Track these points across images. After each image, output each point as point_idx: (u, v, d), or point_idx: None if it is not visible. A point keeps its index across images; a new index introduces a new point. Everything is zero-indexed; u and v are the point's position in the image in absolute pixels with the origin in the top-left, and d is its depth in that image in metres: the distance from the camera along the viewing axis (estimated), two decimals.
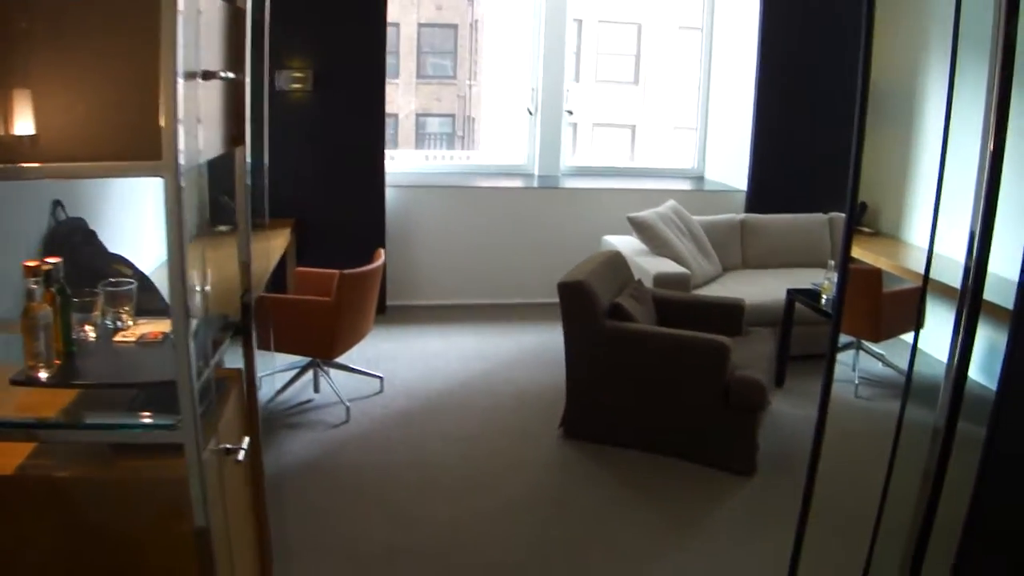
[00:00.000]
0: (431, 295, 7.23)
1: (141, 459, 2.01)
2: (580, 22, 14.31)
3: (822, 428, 3.11)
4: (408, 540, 3.79)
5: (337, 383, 5.22)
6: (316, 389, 5.27)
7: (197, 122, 1.99)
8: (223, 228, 4.08)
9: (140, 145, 1.76)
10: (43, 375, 2.02)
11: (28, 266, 2.01)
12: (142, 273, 3.55)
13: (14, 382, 2.00)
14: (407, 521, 3.94)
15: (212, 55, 2.18)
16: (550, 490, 4.41)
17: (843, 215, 7.17)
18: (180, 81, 1.72)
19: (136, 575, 2.06)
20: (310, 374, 5.28)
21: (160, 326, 2.36)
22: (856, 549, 3.14)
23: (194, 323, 2.05)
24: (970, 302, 2.39)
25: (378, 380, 5.45)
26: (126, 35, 1.80)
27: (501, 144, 14.47)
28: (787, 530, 3.47)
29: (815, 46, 7.32)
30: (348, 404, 5.03)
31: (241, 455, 2.19)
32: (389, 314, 6.87)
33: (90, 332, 2.31)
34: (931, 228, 2.73)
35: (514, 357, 6.12)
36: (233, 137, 2.48)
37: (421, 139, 16.42)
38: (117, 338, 2.31)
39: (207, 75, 2.07)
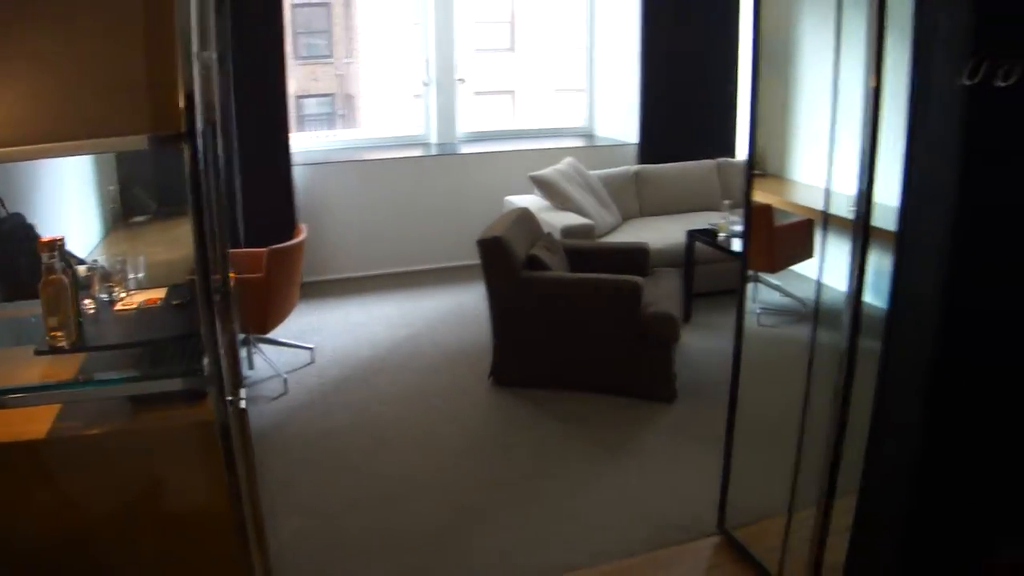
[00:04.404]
0: (344, 269, 7.39)
1: (162, 410, 2.24)
2: None
3: (739, 349, 3.48)
4: (366, 493, 4.05)
5: (269, 358, 5.41)
6: (251, 366, 5.45)
7: None
8: (140, 219, 4.20)
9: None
10: (65, 344, 2.23)
11: (44, 242, 2.22)
12: (81, 259, 3.71)
13: (39, 352, 2.20)
14: (361, 477, 4.20)
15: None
16: (488, 435, 4.72)
17: (731, 159, 7.61)
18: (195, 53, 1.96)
19: (174, 521, 2.29)
20: (243, 352, 5.45)
21: (154, 294, 2.58)
22: (774, 454, 3.49)
23: None
24: (863, 228, 2.72)
25: (308, 352, 5.65)
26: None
27: (385, 119, 14.49)
28: (713, 445, 3.83)
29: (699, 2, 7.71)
30: (285, 376, 5.23)
31: (243, 403, 2.42)
32: (305, 290, 7.00)
33: (90, 306, 2.52)
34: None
35: (436, 319, 6.38)
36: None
37: (301, 121, 16.31)
38: (117, 307, 2.53)
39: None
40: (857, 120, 2.68)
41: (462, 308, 6.55)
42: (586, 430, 4.65)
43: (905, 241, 2.72)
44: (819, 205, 3.19)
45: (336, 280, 7.34)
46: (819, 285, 3.18)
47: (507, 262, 4.87)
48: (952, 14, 2.38)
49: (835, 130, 3.06)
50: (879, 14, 2.47)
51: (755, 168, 7.11)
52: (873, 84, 2.55)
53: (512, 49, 16.26)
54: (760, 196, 6.61)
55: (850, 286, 2.81)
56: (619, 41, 8.13)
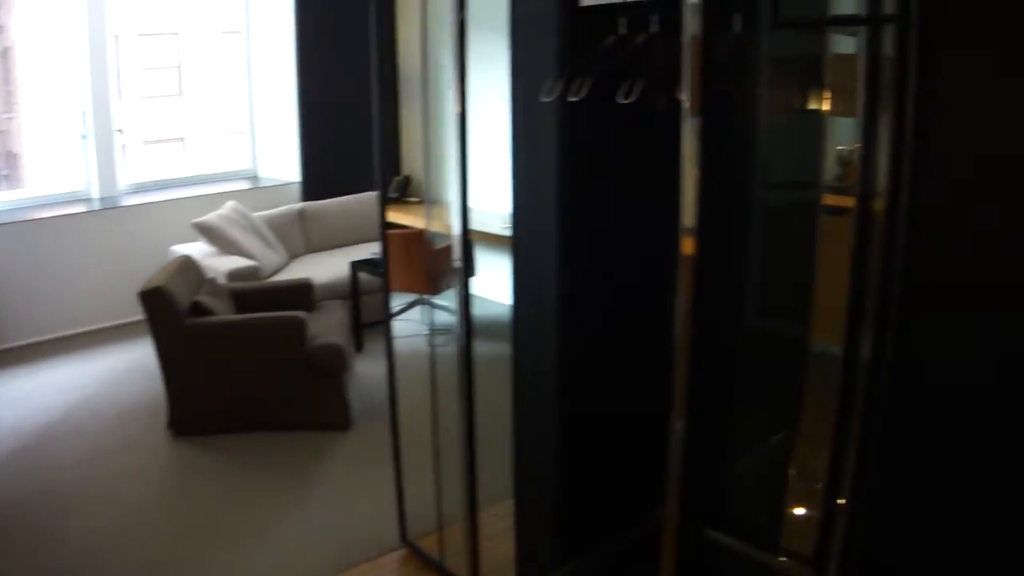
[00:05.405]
0: (10, 338, 7.04)
1: None
2: (118, 37, 13.95)
3: (392, 371, 3.76)
4: (51, 563, 4.01)
5: None
6: None
7: None
8: None
9: None
10: None
11: None
12: None
13: None
14: (45, 547, 4.14)
15: None
16: (172, 487, 4.80)
17: (394, 192, 7.94)
18: None
19: None
20: None
21: None
22: (439, 465, 3.79)
23: None
24: (463, 239, 3.05)
25: None
26: None
27: (52, 175, 13.91)
28: (390, 465, 4.09)
29: (350, 40, 7.92)
30: None
31: None
32: None
33: None
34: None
35: (110, 378, 6.29)
36: None
37: None
38: None
39: None
40: (498, 142, 3.02)
41: (136, 364, 6.50)
42: (268, 468, 4.82)
43: (520, 245, 3.05)
44: (475, 226, 3.45)
45: (2, 351, 7.05)
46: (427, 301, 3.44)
47: (170, 312, 4.95)
48: (541, 42, 2.78)
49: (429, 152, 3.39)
50: (460, 49, 2.83)
51: (409, 197, 7.52)
52: (458, 110, 2.91)
53: (181, 94, 16.00)
54: (420, 223, 7.00)
55: (459, 294, 3.12)
56: (277, 81, 8.33)
